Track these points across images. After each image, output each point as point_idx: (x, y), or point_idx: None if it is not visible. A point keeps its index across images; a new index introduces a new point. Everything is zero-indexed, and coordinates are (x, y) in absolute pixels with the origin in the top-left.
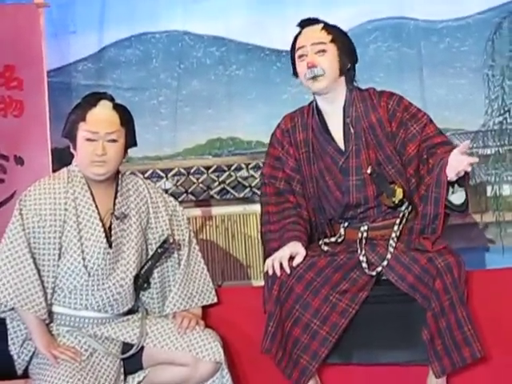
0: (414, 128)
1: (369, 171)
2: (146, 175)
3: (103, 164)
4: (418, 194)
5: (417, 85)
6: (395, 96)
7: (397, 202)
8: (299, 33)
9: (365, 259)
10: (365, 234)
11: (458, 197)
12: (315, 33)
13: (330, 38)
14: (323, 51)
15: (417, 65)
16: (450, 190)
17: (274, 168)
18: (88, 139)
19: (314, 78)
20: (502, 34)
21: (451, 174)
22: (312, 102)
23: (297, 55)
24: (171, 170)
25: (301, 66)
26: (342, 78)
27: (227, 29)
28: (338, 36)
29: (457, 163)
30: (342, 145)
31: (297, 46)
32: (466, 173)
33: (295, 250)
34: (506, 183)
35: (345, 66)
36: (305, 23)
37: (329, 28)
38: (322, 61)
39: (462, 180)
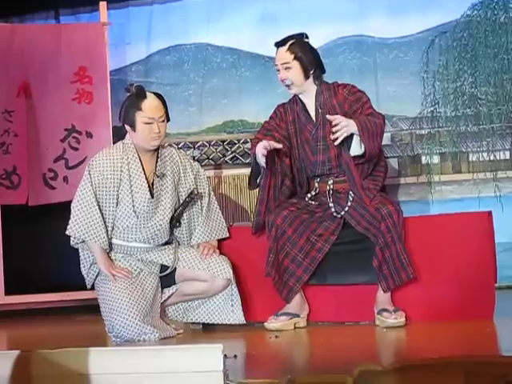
0: (355, 107)
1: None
2: (180, 146)
3: (158, 138)
4: None
5: (373, 84)
6: (348, 86)
7: None
8: (276, 52)
9: (333, 205)
10: (332, 186)
11: (353, 150)
12: (282, 54)
13: (292, 56)
14: (289, 68)
15: (373, 70)
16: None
17: (269, 125)
18: (146, 123)
19: (287, 86)
20: (434, 48)
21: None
22: (295, 95)
23: (276, 70)
24: (197, 142)
25: (279, 78)
26: (310, 80)
27: (238, 42)
28: (299, 53)
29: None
30: (314, 121)
31: (275, 63)
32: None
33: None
34: (435, 155)
35: (308, 73)
36: (277, 44)
37: (292, 48)
38: (289, 75)
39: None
